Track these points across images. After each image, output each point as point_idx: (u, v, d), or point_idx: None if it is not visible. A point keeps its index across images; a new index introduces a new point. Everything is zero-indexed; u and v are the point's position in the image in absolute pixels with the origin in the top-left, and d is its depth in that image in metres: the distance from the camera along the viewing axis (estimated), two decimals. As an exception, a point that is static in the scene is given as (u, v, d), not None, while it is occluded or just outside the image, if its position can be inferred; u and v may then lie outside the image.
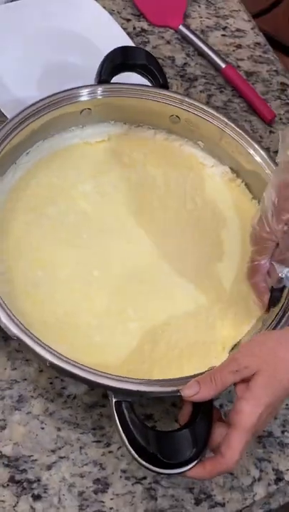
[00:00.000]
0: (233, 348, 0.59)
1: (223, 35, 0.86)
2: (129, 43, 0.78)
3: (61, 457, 0.57)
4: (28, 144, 0.64)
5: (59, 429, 0.58)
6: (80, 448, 0.57)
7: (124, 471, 0.57)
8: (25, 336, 0.50)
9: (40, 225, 0.63)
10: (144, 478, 0.56)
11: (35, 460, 0.56)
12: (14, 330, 0.50)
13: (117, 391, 0.50)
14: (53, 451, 0.57)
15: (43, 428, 0.57)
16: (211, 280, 0.64)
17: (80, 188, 0.66)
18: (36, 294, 0.59)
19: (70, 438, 0.57)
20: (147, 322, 0.60)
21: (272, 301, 0.60)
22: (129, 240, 0.65)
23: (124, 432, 0.48)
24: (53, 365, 0.50)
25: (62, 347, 0.55)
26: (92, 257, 0.62)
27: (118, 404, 0.49)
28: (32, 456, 0.56)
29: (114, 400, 0.49)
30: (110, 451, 0.57)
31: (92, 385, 0.51)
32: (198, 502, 0.56)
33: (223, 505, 0.56)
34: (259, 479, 0.58)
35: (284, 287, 0.60)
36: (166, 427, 0.59)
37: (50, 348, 0.50)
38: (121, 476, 0.56)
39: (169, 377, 0.55)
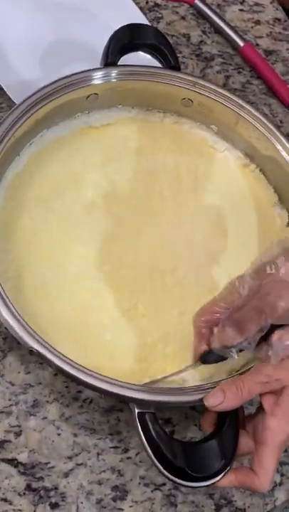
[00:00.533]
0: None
1: (240, 10, 0.81)
2: (142, 18, 0.73)
3: (78, 464, 0.55)
4: (31, 134, 0.60)
5: (75, 435, 0.56)
6: (98, 454, 0.55)
7: (142, 478, 0.55)
8: (44, 350, 0.47)
9: (48, 219, 0.59)
10: (164, 484, 0.55)
11: (52, 467, 0.54)
12: (30, 342, 0.47)
13: (140, 402, 0.47)
14: (70, 457, 0.55)
15: (59, 434, 0.55)
16: (225, 273, 0.61)
17: (87, 177, 0.63)
18: (46, 293, 0.57)
19: (87, 444, 0.55)
20: (159, 318, 0.58)
21: (205, 359, 0.52)
22: (139, 232, 0.61)
23: (149, 446, 0.46)
24: (74, 380, 0.47)
25: (72, 346, 0.53)
26: (101, 252, 0.59)
27: (141, 416, 0.47)
28: (49, 463, 0.54)
29: (136, 411, 0.47)
30: (128, 457, 0.55)
31: (115, 397, 0.49)
32: (218, 508, 0.55)
33: (244, 510, 0.55)
34: (280, 484, 0.57)
35: (222, 359, 0.51)
36: (186, 431, 0.57)
37: (71, 360, 0.48)
38: (140, 483, 0.55)
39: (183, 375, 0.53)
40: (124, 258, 0.60)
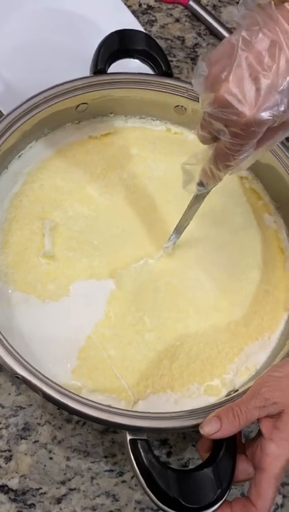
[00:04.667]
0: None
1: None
2: (135, 22, 0.71)
3: (71, 489, 0.53)
4: (20, 146, 0.58)
5: (68, 459, 0.54)
6: (92, 478, 0.53)
7: (138, 502, 0.53)
8: (30, 375, 0.45)
9: (47, 233, 0.57)
10: (160, 508, 0.53)
11: (44, 493, 0.52)
12: (16, 368, 0.45)
13: (132, 429, 0.45)
14: (63, 482, 0.53)
15: (51, 458, 0.54)
16: (232, 284, 0.59)
17: (87, 188, 0.61)
18: (47, 311, 0.54)
19: (80, 468, 0.54)
20: (164, 332, 0.56)
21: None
22: (143, 243, 0.59)
23: (142, 475, 0.44)
24: (62, 406, 0.45)
25: (74, 363, 0.52)
26: (104, 265, 0.57)
27: (133, 443, 0.45)
28: (40, 488, 0.53)
29: (128, 438, 0.45)
30: (123, 481, 0.54)
31: (106, 424, 0.47)
32: (218, 532, 0.53)
33: (245, 534, 0.53)
34: (282, 506, 0.55)
35: None
36: (183, 452, 0.55)
37: (58, 385, 0.46)
38: (135, 508, 0.53)
39: (191, 392, 0.52)
40: (127, 270, 0.58)
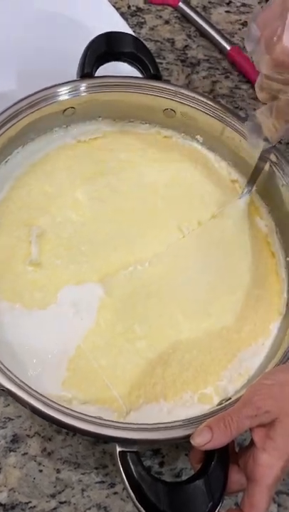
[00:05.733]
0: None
1: (227, 12, 0.78)
2: (124, 24, 0.70)
3: (62, 502, 0.52)
4: (6, 151, 0.57)
5: (58, 471, 0.53)
6: (82, 490, 0.52)
7: (131, 514, 0.52)
8: (15, 388, 0.44)
9: (34, 240, 0.56)
10: (154, 520, 0.52)
11: (34, 507, 0.51)
12: (2, 381, 0.44)
13: (121, 441, 0.44)
14: (53, 495, 0.52)
15: (40, 470, 0.52)
16: (224, 290, 0.58)
17: (75, 193, 0.60)
18: (35, 320, 0.53)
19: (70, 480, 0.52)
20: (156, 340, 0.54)
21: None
22: (132, 250, 0.58)
23: (132, 488, 0.43)
24: (49, 419, 0.44)
25: (64, 374, 0.51)
26: (93, 272, 0.56)
27: (123, 455, 0.44)
28: (30, 502, 0.51)
29: (118, 450, 0.44)
30: (115, 493, 0.52)
31: (94, 437, 0.46)
32: None
33: None
34: (278, 515, 0.54)
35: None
36: (176, 462, 0.54)
37: (45, 397, 0.44)
38: (128, 519, 0.52)
39: (185, 400, 0.51)
40: (116, 277, 0.56)
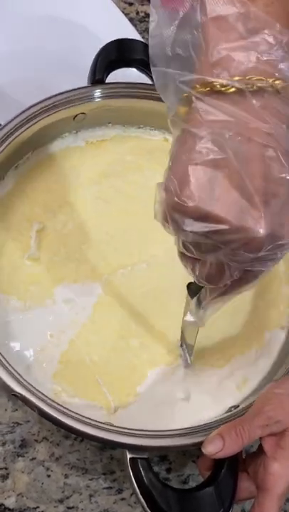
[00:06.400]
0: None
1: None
2: (132, 30, 0.70)
3: (69, 507, 0.52)
4: (16, 156, 0.57)
5: (66, 476, 0.53)
6: (90, 496, 0.52)
7: (139, 520, 0.52)
8: (29, 394, 0.44)
9: (33, 235, 0.56)
10: (161, 526, 0.52)
11: (42, 512, 0.51)
12: (17, 388, 0.44)
13: (132, 448, 0.44)
14: (61, 500, 0.52)
15: (49, 475, 0.53)
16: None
17: (80, 192, 0.60)
18: (29, 313, 0.53)
19: (78, 485, 0.53)
20: (150, 339, 0.55)
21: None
22: (132, 251, 0.58)
23: (142, 495, 0.43)
24: (58, 424, 0.44)
25: (56, 367, 0.51)
26: (91, 270, 0.56)
27: (134, 462, 0.44)
28: (38, 507, 0.51)
29: (128, 457, 0.44)
30: (123, 499, 0.53)
31: (105, 443, 0.46)
32: None
33: None
34: (286, 524, 0.54)
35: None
36: (183, 468, 0.54)
37: (55, 402, 0.45)
38: (136, 526, 0.52)
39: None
40: (114, 275, 0.57)
